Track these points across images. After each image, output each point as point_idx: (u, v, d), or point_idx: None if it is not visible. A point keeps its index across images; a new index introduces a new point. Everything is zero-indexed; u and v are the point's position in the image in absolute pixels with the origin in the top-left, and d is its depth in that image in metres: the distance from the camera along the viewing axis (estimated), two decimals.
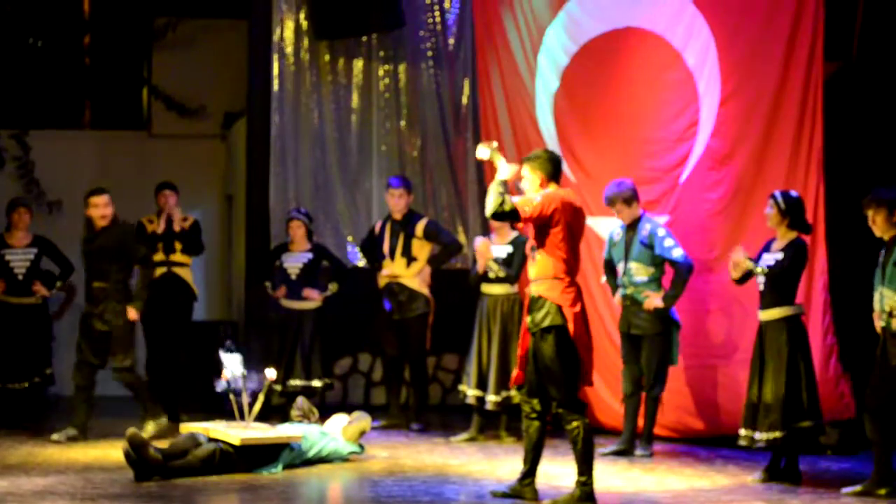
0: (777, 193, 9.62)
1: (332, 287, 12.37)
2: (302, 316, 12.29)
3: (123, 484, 9.06)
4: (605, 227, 11.33)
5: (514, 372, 8.73)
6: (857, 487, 8.95)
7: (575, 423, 8.32)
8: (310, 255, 12.40)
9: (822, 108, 10.35)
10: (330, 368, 12.68)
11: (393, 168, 13.72)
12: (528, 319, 8.51)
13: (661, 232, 10.55)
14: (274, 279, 12.43)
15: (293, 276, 12.35)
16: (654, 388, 10.57)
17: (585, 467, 8.37)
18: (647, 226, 10.60)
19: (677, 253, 10.49)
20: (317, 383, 12.22)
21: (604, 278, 10.96)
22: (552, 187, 8.55)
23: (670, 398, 10.87)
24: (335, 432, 10.30)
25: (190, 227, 12.48)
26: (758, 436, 9.42)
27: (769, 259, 9.56)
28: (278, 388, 12.05)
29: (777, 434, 9.32)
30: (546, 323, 8.36)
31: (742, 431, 9.57)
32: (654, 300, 10.48)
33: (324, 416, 10.67)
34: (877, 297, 8.95)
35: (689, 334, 11.03)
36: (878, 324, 8.95)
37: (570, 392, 8.39)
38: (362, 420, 10.53)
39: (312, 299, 12.32)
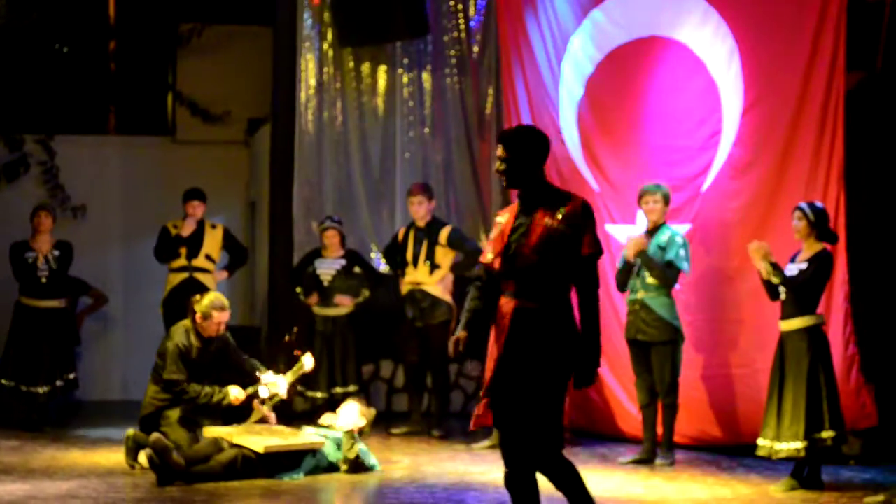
0: (804, 205, 9.55)
1: (365, 293, 12.40)
2: (335, 323, 12.32)
3: (146, 488, 9.11)
4: (625, 235, 11.33)
5: None
6: (880, 496, 8.92)
7: None
8: (343, 262, 12.41)
9: (843, 118, 10.31)
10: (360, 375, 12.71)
11: (416, 175, 13.72)
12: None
13: (680, 240, 10.54)
14: (305, 285, 12.45)
15: (325, 283, 12.38)
16: (669, 396, 10.53)
17: None
18: (667, 231, 10.60)
19: (684, 265, 10.48)
20: (352, 388, 12.26)
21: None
22: None
23: (690, 407, 10.84)
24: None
25: (224, 239, 12.65)
26: (779, 446, 9.40)
27: (793, 269, 9.53)
28: (320, 395, 12.15)
29: (799, 444, 9.29)
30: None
31: (762, 441, 9.54)
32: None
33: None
34: None
35: (708, 343, 11.02)
36: None
37: None
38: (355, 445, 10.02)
39: (344, 305, 12.34)
